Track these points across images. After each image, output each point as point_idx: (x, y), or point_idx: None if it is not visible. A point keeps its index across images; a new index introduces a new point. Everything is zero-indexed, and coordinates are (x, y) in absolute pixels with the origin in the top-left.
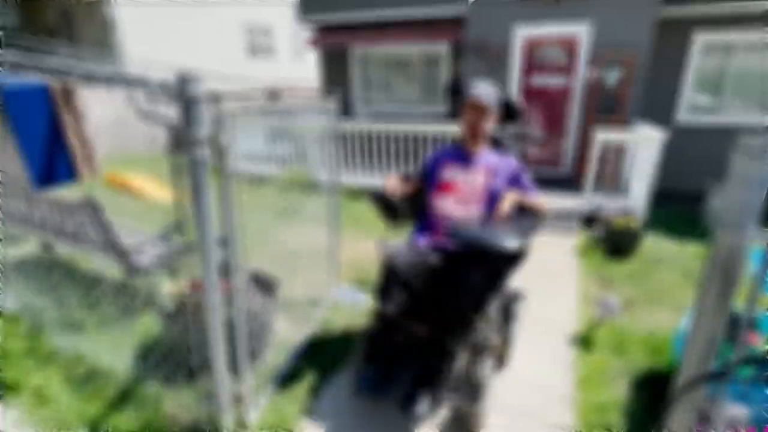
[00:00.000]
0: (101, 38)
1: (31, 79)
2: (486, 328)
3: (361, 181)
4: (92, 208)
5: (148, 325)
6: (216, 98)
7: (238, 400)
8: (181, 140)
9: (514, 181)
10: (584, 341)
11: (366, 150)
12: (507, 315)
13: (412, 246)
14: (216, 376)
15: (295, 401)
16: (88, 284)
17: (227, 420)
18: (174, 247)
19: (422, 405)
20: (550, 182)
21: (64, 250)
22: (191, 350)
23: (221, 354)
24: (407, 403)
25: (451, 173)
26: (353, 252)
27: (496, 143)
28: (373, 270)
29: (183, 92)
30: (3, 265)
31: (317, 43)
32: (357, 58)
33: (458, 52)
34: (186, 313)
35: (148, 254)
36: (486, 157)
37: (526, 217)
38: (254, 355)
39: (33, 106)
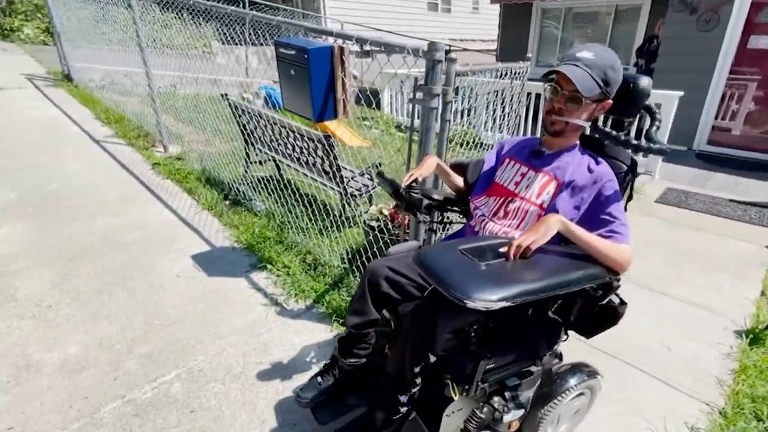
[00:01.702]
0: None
1: (318, 41)
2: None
3: None
4: (329, 142)
5: (353, 235)
6: (450, 60)
7: None
8: (419, 91)
9: (591, 211)
10: (754, 336)
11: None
12: (547, 394)
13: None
14: None
15: None
16: (309, 201)
17: None
18: (370, 182)
19: None
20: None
21: (292, 173)
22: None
23: None
24: None
25: (507, 174)
26: None
27: (596, 145)
28: None
29: (431, 56)
30: (258, 179)
31: None
32: (539, 11)
33: (660, 5)
34: (381, 229)
35: (355, 184)
36: (563, 162)
37: (572, 259)
38: None
39: (322, 62)
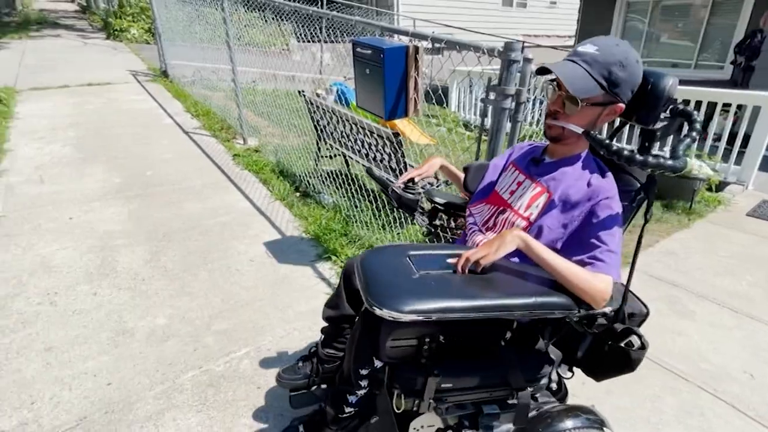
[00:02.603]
0: None
1: (393, 42)
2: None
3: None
4: (397, 140)
5: (414, 232)
6: (526, 60)
7: None
8: (492, 91)
9: (578, 232)
10: None
11: None
12: None
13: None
14: None
15: None
16: (374, 197)
17: None
18: (435, 179)
19: None
20: None
21: (360, 168)
22: None
23: None
24: None
25: (505, 182)
26: None
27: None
28: None
29: (506, 56)
30: (327, 173)
31: None
32: (623, 5)
33: None
34: (442, 228)
35: (420, 182)
36: (561, 173)
37: (535, 282)
38: None
39: (396, 62)
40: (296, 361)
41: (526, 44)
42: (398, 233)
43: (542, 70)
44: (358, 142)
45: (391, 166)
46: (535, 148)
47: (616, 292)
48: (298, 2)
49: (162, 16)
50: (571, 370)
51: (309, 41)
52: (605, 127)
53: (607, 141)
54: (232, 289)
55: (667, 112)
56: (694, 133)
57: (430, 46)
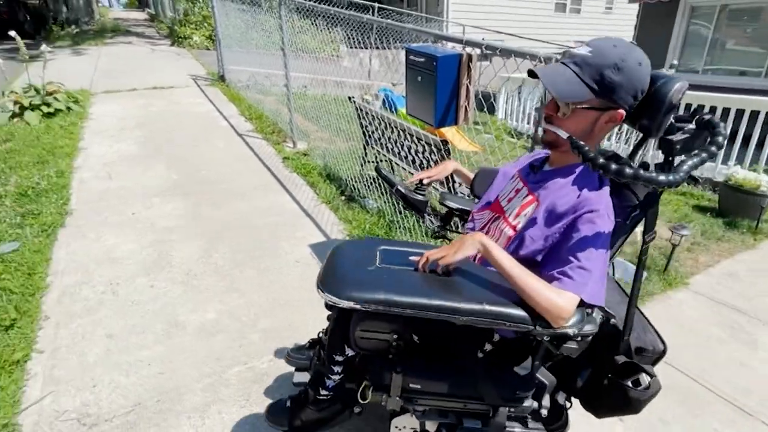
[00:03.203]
0: (431, 4)
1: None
2: None
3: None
4: (445, 148)
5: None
6: None
7: None
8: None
9: (557, 245)
10: None
11: None
12: None
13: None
14: None
15: None
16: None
17: None
18: None
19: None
20: None
21: (406, 174)
22: None
23: None
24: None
25: (507, 189)
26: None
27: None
28: (653, 253)
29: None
30: (372, 178)
31: None
32: (687, 10)
33: None
34: None
35: (465, 191)
36: (553, 182)
37: (493, 292)
38: None
39: (449, 70)
40: (306, 343)
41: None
42: (440, 242)
43: (531, 74)
44: (405, 148)
45: None
46: (538, 156)
47: (583, 312)
48: (351, 9)
49: (222, 23)
50: (569, 399)
51: (358, 47)
52: (624, 136)
53: (586, 147)
54: (277, 289)
55: (693, 122)
56: (713, 148)
57: (479, 52)
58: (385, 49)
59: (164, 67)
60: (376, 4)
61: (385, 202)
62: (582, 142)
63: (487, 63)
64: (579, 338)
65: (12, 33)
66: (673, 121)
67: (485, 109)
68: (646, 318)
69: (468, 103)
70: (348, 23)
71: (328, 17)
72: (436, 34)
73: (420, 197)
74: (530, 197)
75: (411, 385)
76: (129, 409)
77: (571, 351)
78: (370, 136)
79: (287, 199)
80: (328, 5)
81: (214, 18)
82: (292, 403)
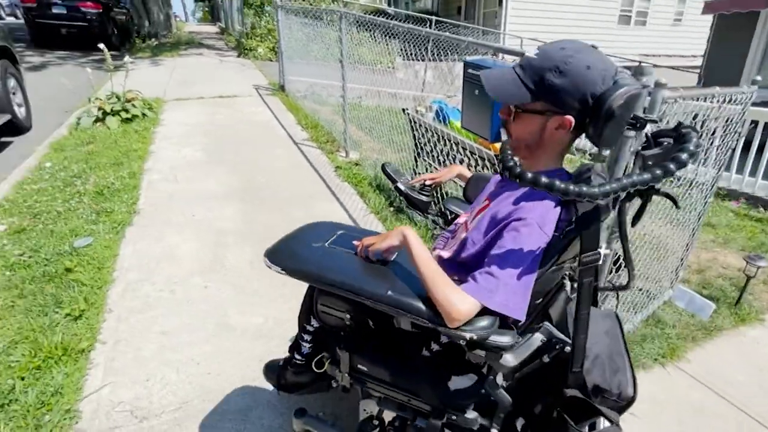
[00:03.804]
0: (488, 17)
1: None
2: None
3: (735, 186)
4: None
5: None
6: (658, 85)
7: None
8: None
9: (482, 250)
10: None
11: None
12: None
13: None
14: None
15: None
16: None
17: None
18: None
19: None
20: None
21: (456, 188)
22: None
23: None
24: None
25: (482, 197)
26: (699, 257)
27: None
28: (723, 284)
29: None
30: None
31: (713, 6)
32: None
33: None
34: None
35: None
36: (508, 188)
37: (409, 284)
38: None
39: None
40: None
41: (643, 63)
42: None
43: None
44: (457, 161)
45: None
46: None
47: (495, 320)
48: (408, 22)
49: (285, 36)
50: (533, 428)
51: (414, 60)
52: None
53: (508, 153)
54: None
55: (673, 135)
56: (671, 165)
57: None
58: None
59: (230, 77)
60: (434, 17)
61: (435, 214)
62: (509, 150)
63: None
64: (486, 347)
65: (101, 45)
66: (649, 134)
67: None
68: (629, 359)
69: None
70: (405, 36)
71: (387, 30)
72: (494, 47)
73: (423, 197)
74: (486, 202)
75: (359, 366)
76: (177, 406)
77: (479, 359)
78: (421, 148)
79: (338, 208)
80: (387, 18)
81: (278, 31)
82: (282, 364)
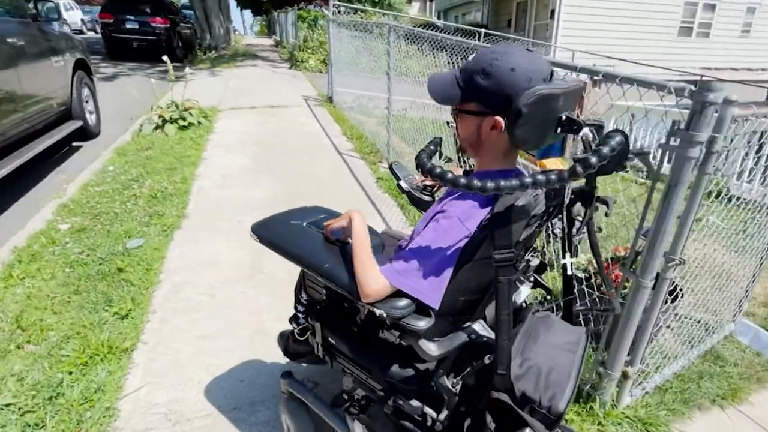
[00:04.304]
0: (539, 29)
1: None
2: None
3: None
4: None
5: (549, 279)
6: (727, 102)
7: (624, 377)
8: (675, 136)
9: (414, 236)
10: None
11: None
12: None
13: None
14: (617, 347)
15: (667, 408)
16: None
17: (605, 390)
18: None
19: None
20: None
21: None
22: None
23: (631, 331)
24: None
25: None
26: (767, 288)
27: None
28: None
29: (701, 97)
30: None
31: None
32: None
33: None
34: (590, 282)
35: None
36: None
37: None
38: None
39: None
40: None
41: (705, 77)
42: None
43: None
44: None
45: None
46: None
47: (411, 304)
48: (457, 35)
49: (335, 48)
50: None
51: None
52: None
53: (426, 148)
54: None
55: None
56: (578, 168)
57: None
58: None
59: (281, 88)
60: (483, 30)
61: None
62: (433, 147)
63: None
64: (402, 328)
65: (164, 57)
66: (589, 139)
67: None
68: (578, 372)
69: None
70: (453, 49)
71: (434, 42)
72: (549, 61)
73: (426, 197)
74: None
75: (329, 338)
76: (208, 412)
77: (388, 337)
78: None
79: (378, 220)
80: (436, 31)
81: (329, 43)
82: (290, 333)
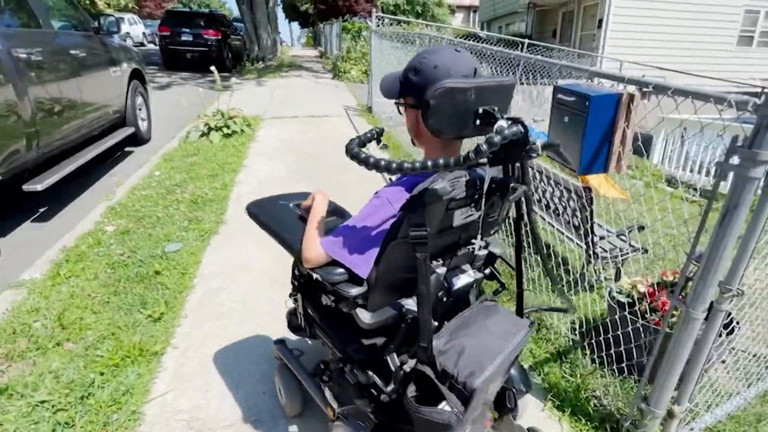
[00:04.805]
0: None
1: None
2: None
3: None
4: (588, 196)
5: (590, 303)
6: None
7: (670, 416)
8: (735, 154)
9: None
10: None
11: None
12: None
13: None
14: (663, 382)
15: None
16: (546, 253)
17: (647, 429)
18: (626, 245)
19: None
20: None
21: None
22: (634, 344)
23: (679, 365)
24: None
25: None
26: None
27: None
28: None
29: (766, 111)
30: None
31: None
32: None
33: None
34: (633, 309)
35: (606, 245)
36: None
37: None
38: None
39: (603, 111)
40: None
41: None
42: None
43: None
44: (539, 191)
45: (574, 223)
46: None
47: (345, 273)
48: (500, 45)
49: (377, 59)
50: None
51: None
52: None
53: (355, 142)
54: None
55: None
56: (471, 154)
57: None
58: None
59: (323, 98)
60: (526, 41)
61: (509, 245)
62: (369, 135)
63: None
64: (337, 294)
65: (212, 68)
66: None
67: (632, 152)
68: (511, 361)
69: (623, 150)
70: (495, 59)
71: (476, 53)
72: (590, 71)
73: None
74: None
75: (308, 310)
76: (230, 422)
77: (327, 301)
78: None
79: None
80: (477, 42)
81: (371, 54)
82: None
